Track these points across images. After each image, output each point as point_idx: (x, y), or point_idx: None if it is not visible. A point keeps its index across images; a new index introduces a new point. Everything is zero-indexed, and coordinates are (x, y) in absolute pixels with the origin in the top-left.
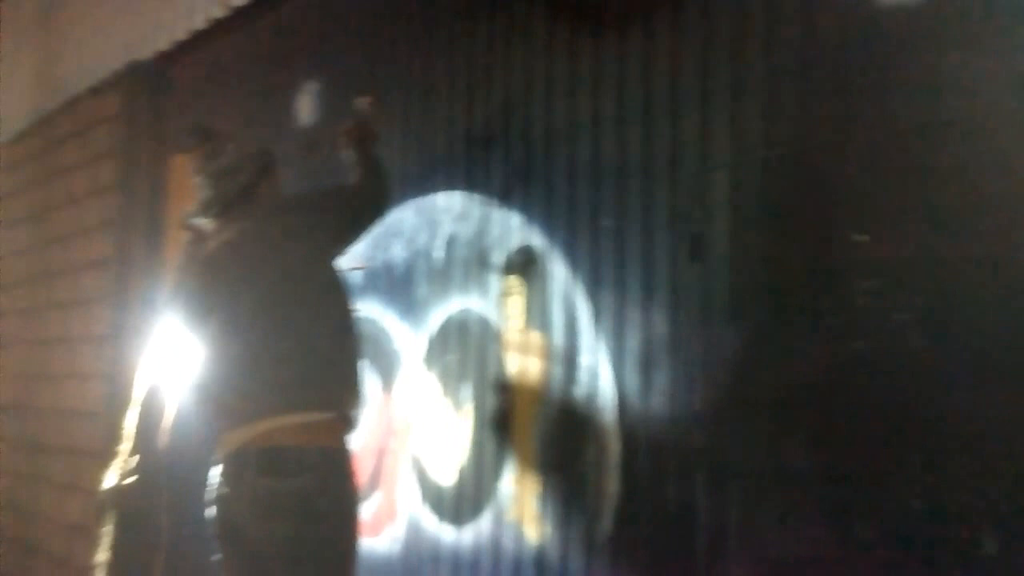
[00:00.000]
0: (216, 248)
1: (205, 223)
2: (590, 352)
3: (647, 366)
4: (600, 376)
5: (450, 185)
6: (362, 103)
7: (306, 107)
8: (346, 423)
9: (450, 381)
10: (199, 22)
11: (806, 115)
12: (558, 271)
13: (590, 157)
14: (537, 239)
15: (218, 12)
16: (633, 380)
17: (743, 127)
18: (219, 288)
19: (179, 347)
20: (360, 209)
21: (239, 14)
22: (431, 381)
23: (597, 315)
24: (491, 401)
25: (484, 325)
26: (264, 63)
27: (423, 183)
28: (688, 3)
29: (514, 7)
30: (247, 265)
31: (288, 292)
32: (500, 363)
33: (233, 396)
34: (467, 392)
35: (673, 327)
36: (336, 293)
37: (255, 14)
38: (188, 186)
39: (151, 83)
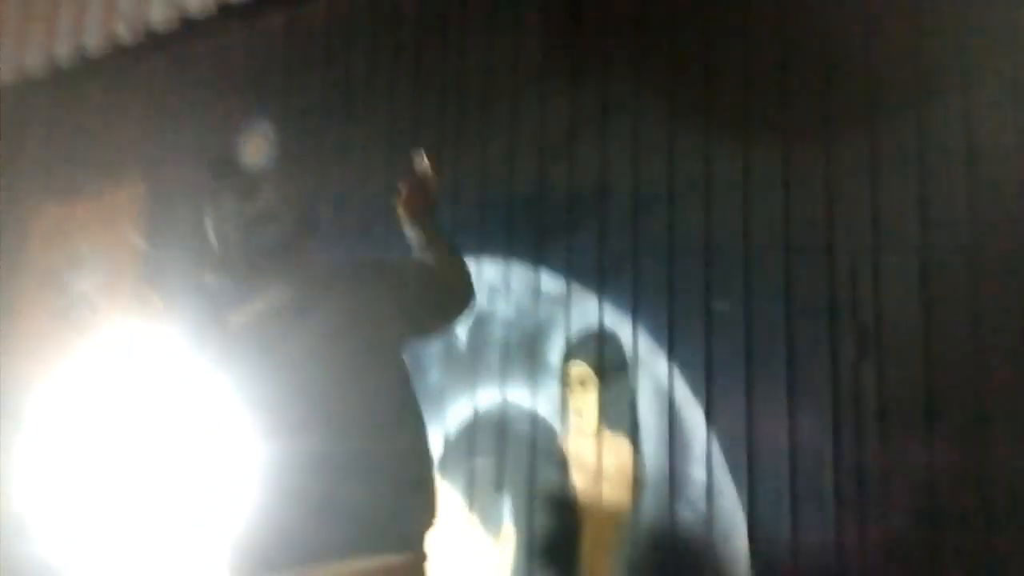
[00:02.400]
0: (247, 323)
1: (219, 284)
2: (702, 464)
3: (793, 485)
4: (721, 495)
5: (480, 251)
6: (421, 161)
7: (254, 149)
8: (424, 563)
9: (479, 494)
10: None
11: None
12: (651, 361)
13: (700, 226)
14: (616, 321)
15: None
16: (772, 502)
17: (937, 201)
18: (252, 380)
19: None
20: (446, 295)
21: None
22: (448, 492)
23: (712, 418)
24: (545, 522)
25: (533, 423)
26: (190, 96)
27: None
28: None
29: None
30: (292, 351)
31: (350, 392)
32: (560, 472)
33: (270, 533)
34: (507, 509)
35: (833, 437)
36: (407, 395)
37: (171, 40)
38: (57, 241)
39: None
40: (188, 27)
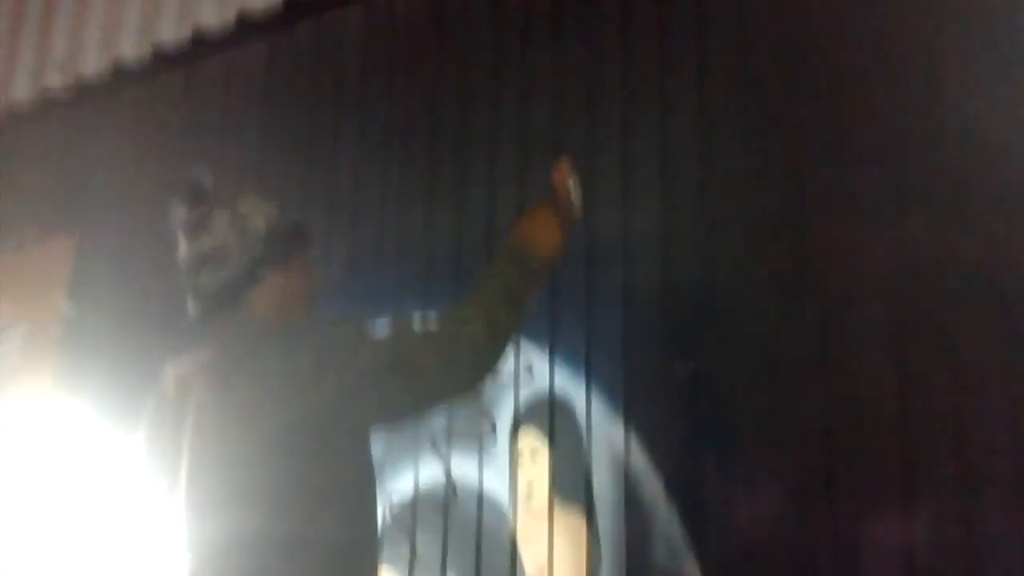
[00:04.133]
0: (169, 383)
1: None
2: (665, 541)
3: (765, 563)
4: None
5: (426, 306)
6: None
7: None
8: None
9: None
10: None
11: None
12: (605, 429)
13: (658, 271)
14: (568, 384)
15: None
16: None
17: (913, 245)
18: (158, 457)
19: None
20: (435, 378)
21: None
22: None
23: (673, 490)
24: None
25: (478, 502)
26: (124, 144)
27: (366, 305)
28: None
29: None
30: (205, 420)
31: (268, 475)
32: (509, 554)
33: None
34: None
35: (807, 510)
36: (349, 483)
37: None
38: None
39: None
40: (121, 74)
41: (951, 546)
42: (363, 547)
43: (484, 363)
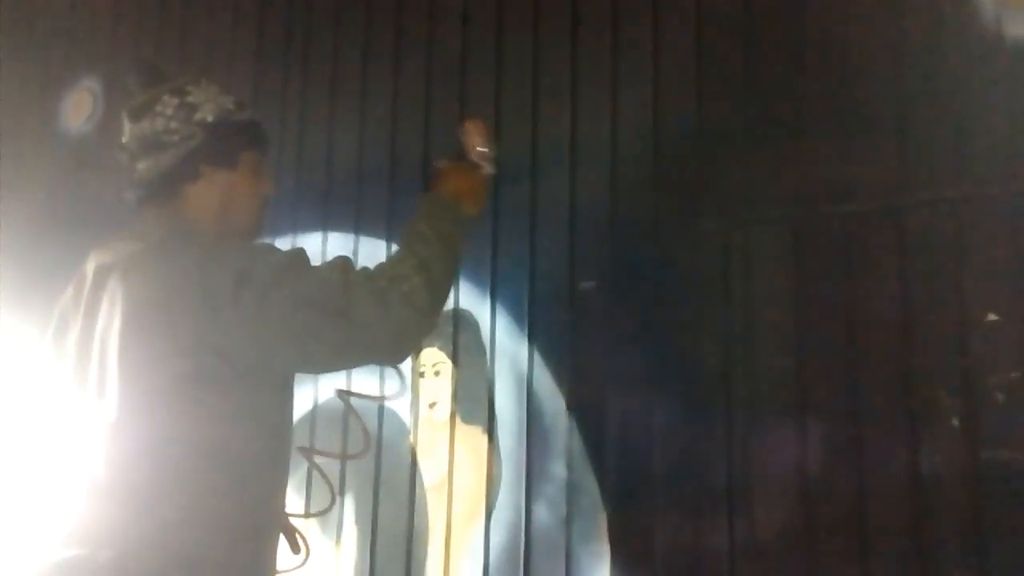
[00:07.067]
0: (89, 272)
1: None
2: (562, 459)
3: (658, 481)
4: (581, 492)
5: (327, 225)
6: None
7: (78, 109)
8: None
9: (319, 493)
10: None
11: None
12: (508, 345)
13: (565, 190)
14: (472, 301)
15: None
16: (637, 501)
17: (810, 174)
18: (66, 346)
19: None
20: (364, 317)
21: None
22: None
23: (575, 408)
24: (392, 525)
25: (380, 414)
26: (8, 47)
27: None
28: None
29: None
30: (100, 320)
31: (143, 395)
32: (409, 468)
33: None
34: (350, 510)
35: (703, 427)
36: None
37: None
38: None
39: None
40: None
41: (839, 457)
42: (268, 467)
43: (424, 321)
